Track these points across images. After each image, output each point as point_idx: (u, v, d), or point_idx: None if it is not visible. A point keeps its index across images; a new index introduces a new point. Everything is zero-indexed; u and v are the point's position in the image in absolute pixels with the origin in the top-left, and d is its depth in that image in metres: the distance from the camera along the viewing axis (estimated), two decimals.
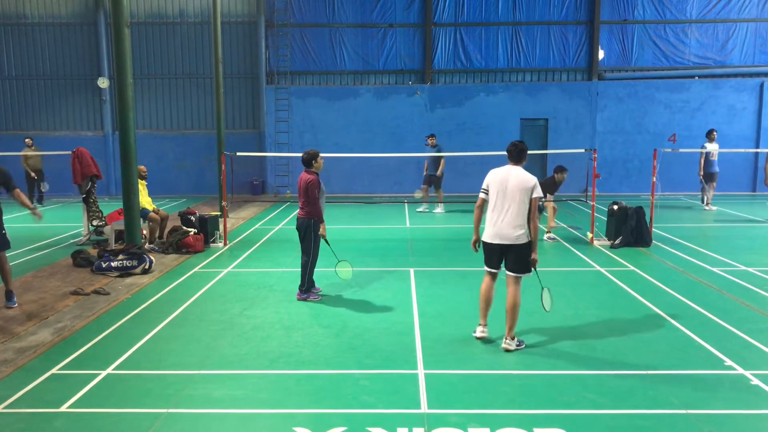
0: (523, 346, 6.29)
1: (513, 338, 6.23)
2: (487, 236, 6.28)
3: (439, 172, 15.60)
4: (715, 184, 16.04)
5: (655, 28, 20.05)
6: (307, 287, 8.12)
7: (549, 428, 4.60)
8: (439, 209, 15.84)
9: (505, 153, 6.48)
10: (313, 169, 7.98)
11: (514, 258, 6.17)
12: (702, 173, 15.84)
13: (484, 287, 6.47)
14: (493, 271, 6.39)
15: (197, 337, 6.69)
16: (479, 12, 20.11)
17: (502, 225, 6.15)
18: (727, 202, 16.84)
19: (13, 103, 21.13)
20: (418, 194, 15.61)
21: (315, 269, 8.25)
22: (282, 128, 20.36)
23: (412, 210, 16.32)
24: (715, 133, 16.14)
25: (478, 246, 6.49)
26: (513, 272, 6.20)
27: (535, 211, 6.13)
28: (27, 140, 18.24)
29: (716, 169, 15.87)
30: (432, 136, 15.85)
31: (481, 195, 6.38)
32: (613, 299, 7.97)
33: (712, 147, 15.62)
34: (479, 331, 6.55)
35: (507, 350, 6.17)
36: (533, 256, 6.15)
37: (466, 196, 18.88)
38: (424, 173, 16.01)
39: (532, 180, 6.16)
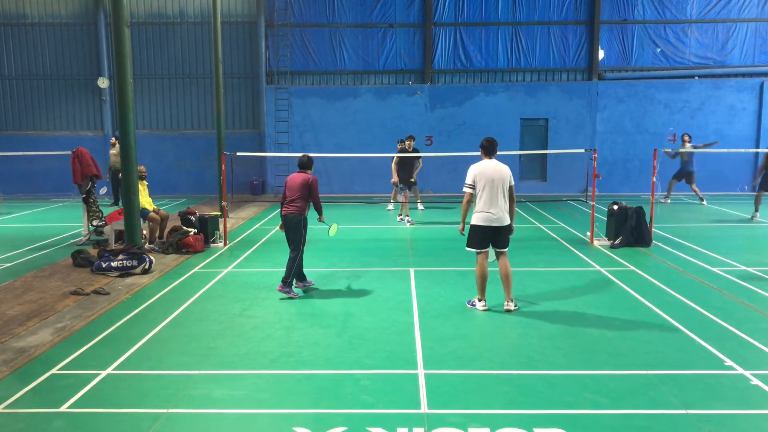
0: (517, 308, 7.45)
1: (512, 300, 7.43)
2: (480, 221, 7.28)
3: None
4: (693, 185, 16.89)
5: (655, 28, 20.05)
6: (291, 281, 8.17)
7: (549, 428, 4.59)
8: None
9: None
10: (309, 172, 8.45)
11: (503, 237, 7.34)
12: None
13: (482, 268, 7.42)
14: (485, 251, 7.41)
15: (197, 337, 6.69)
16: (479, 12, 20.11)
17: (493, 211, 7.22)
18: (727, 202, 16.84)
19: (13, 103, 21.13)
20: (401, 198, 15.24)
21: (311, 268, 8.26)
22: (282, 128, 20.36)
23: (412, 210, 16.31)
24: (685, 136, 16.91)
25: (465, 231, 7.63)
26: (503, 248, 7.39)
27: (513, 195, 7.36)
28: (112, 139, 17.88)
29: (689, 168, 16.73)
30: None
31: (469, 190, 7.36)
32: (613, 299, 7.96)
33: (684, 149, 16.71)
34: (481, 306, 7.49)
35: (509, 311, 7.35)
36: (512, 228, 7.41)
37: None
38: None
39: (508, 170, 7.36)
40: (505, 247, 7.39)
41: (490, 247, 7.41)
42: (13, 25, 20.78)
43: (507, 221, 7.29)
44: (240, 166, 19.28)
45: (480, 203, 7.27)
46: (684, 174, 16.79)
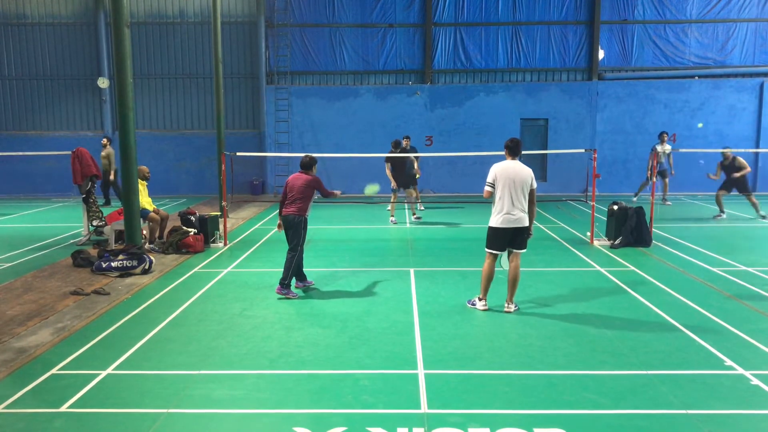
0: (517, 308, 7.48)
1: (513, 302, 7.46)
2: (498, 223, 7.24)
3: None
4: (666, 180, 17.11)
5: (655, 28, 20.05)
6: (289, 282, 8.17)
7: (549, 428, 4.59)
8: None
9: (504, 153, 7.41)
10: (312, 173, 8.40)
11: (521, 238, 7.31)
12: (654, 171, 16.92)
13: (488, 268, 7.43)
14: (497, 253, 7.39)
15: (197, 337, 6.69)
16: (479, 12, 20.11)
17: (514, 212, 7.16)
18: (726, 202, 16.81)
19: (13, 103, 21.13)
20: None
21: (311, 268, 8.26)
22: (282, 128, 20.36)
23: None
24: (665, 135, 16.87)
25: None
26: (519, 249, 7.37)
27: (534, 197, 7.32)
28: (103, 140, 17.81)
29: (665, 167, 16.95)
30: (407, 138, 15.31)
31: (488, 188, 7.31)
32: (613, 299, 7.96)
33: (662, 148, 16.62)
34: (482, 305, 7.51)
35: (508, 312, 7.36)
36: (531, 231, 7.40)
37: (467, 195, 18.90)
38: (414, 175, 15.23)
39: (531, 172, 7.27)
40: (522, 249, 7.37)
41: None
42: (13, 25, 20.78)
43: (526, 222, 7.23)
44: (240, 166, 19.29)
45: (499, 204, 7.21)
46: (660, 172, 16.89)
